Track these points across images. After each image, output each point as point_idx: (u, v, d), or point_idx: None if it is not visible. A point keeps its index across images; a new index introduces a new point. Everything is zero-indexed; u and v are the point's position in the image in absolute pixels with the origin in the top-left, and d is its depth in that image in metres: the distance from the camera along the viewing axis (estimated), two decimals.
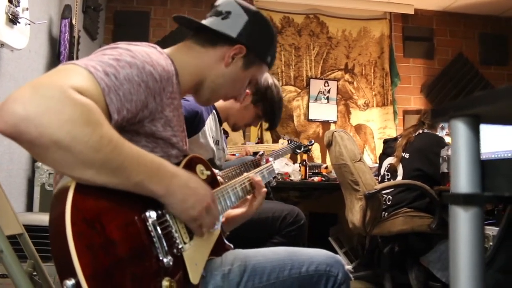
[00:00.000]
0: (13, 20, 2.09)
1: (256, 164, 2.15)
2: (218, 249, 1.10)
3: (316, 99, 4.50)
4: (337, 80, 4.57)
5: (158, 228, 0.86)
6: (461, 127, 0.64)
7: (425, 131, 2.93)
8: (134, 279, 0.78)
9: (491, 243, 2.25)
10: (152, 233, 0.85)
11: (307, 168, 3.80)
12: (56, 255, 0.75)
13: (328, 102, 4.52)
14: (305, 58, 4.54)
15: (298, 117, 4.47)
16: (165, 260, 0.85)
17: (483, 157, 0.65)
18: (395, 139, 3.10)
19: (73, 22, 3.00)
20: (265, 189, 1.29)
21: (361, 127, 4.59)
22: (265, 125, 2.21)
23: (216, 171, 1.74)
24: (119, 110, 0.84)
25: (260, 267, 1.09)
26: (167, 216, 0.91)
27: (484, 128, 0.66)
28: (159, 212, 0.89)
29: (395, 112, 4.59)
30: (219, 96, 1.21)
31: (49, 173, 2.60)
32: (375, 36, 4.65)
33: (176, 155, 1.04)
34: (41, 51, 2.81)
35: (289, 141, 3.17)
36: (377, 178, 3.07)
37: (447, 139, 2.95)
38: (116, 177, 0.78)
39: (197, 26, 1.16)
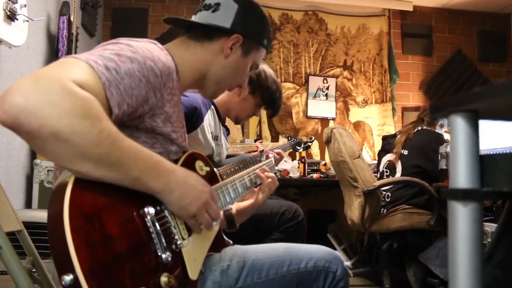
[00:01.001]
0: (11, 16, 2.09)
1: (255, 160, 2.15)
2: (217, 245, 1.10)
3: (315, 96, 4.50)
4: (336, 77, 4.56)
5: (157, 224, 0.86)
6: (459, 123, 0.64)
7: (424, 128, 2.94)
8: (132, 274, 0.78)
9: (489, 240, 2.25)
10: (151, 229, 0.85)
11: (306, 165, 3.80)
12: (54, 250, 0.75)
13: (327, 99, 4.52)
14: (303, 55, 4.54)
15: (297, 114, 4.47)
16: (163, 256, 0.86)
17: (482, 153, 0.65)
18: (394, 136, 3.11)
19: (71, 19, 2.99)
20: (272, 177, 1.37)
21: (360, 124, 4.59)
22: (268, 113, 2.21)
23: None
24: (119, 105, 0.84)
25: (259, 263, 1.10)
26: (166, 212, 0.91)
27: (483, 125, 0.66)
28: (158, 208, 0.89)
29: (393, 109, 4.59)
30: (224, 87, 1.22)
31: (48, 170, 2.60)
32: (373, 33, 4.65)
33: (176, 151, 1.04)
34: (39, 48, 2.80)
35: (289, 138, 3.17)
36: (376, 175, 3.07)
37: (446, 136, 2.96)
38: (114, 171, 0.79)
39: (189, 25, 1.17)
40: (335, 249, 3.09)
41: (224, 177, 1.38)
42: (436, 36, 4.78)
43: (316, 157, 4.38)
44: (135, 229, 0.83)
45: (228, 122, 2.21)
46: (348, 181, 2.81)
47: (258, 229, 2.01)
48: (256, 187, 1.37)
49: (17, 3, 2.13)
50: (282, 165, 3.68)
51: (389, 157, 2.99)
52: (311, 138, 3.31)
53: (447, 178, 2.56)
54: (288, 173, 3.66)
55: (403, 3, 4.60)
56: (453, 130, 0.65)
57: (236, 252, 1.11)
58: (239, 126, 4.10)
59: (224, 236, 1.16)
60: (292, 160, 3.88)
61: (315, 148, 4.40)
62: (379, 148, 3.25)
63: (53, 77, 0.74)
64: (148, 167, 0.84)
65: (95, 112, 0.75)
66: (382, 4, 4.62)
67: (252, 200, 1.35)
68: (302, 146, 3.07)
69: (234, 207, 1.34)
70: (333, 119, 4.53)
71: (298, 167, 3.75)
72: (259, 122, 4.32)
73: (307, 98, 4.49)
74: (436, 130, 2.99)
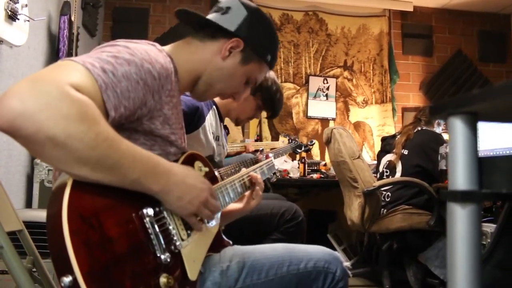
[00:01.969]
0: (12, 16, 2.09)
1: (256, 162, 2.16)
2: (217, 246, 1.11)
3: (315, 96, 4.50)
4: (336, 77, 4.56)
5: (156, 225, 0.87)
6: (458, 124, 0.64)
7: (424, 128, 2.94)
8: (131, 275, 0.78)
9: (489, 240, 2.26)
10: (150, 230, 0.85)
11: (306, 165, 3.81)
12: (54, 251, 0.75)
13: (327, 99, 4.52)
14: (304, 55, 4.54)
15: (297, 114, 4.47)
16: (162, 257, 0.86)
17: (480, 154, 0.65)
18: (393, 136, 3.11)
19: (72, 18, 2.99)
20: (262, 186, 1.30)
21: (360, 124, 4.59)
22: (268, 115, 2.20)
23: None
24: (116, 107, 0.84)
25: (259, 264, 1.10)
26: (165, 213, 0.91)
27: (482, 126, 0.66)
28: (157, 209, 0.89)
29: (394, 109, 4.59)
30: (214, 90, 1.17)
31: (48, 170, 2.60)
32: (374, 33, 4.65)
33: (175, 152, 1.04)
34: (40, 48, 2.80)
35: (290, 140, 3.17)
36: (375, 175, 3.07)
37: (445, 137, 2.96)
38: (112, 174, 0.79)
39: (197, 20, 1.16)
40: (335, 249, 3.09)
41: (225, 177, 1.38)
42: (437, 36, 4.78)
43: (316, 157, 4.38)
44: (134, 230, 0.83)
45: (227, 122, 2.21)
46: (348, 182, 2.81)
47: (258, 229, 2.01)
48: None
49: (18, 3, 2.13)
50: (282, 165, 3.68)
51: (389, 157, 3.00)
52: (311, 141, 3.31)
53: (447, 179, 2.56)
54: (288, 173, 3.66)
55: (404, 4, 4.60)
56: (452, 132, 0.65)
57: (235, 252, 1.11)
58: (239, 126, 4.11)
59: (224, 236, 1.17)
60: (292, 161, 3.88)
61: (315, 148, 4.41)
62: (379, 148, 3.26)
63: (50, 81, 0.74)
64: (147, 168, 0.84)
65: (92, 116, 0.75)
66: (382, 5, 4.62)
67: (241, 205, 1.30)
68: (303, 149, 3.08)
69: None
70: (333, 119, 4.53)
71: (298, 167, 3.75)
72: (259, 122, 4.32)
73: (307, 98, 4.49)
74: (434, 129, 3.00)
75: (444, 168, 2.63)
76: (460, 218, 0.63)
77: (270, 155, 2.17)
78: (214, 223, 1.08)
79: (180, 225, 0.95)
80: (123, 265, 0.78)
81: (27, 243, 1.21)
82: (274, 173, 1.82)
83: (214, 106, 2.01)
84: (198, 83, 1.15)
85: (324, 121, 4.50)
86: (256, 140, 4.06)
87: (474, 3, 4.62)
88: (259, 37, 1.17)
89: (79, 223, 0.73)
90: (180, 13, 1.14)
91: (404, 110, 4.66)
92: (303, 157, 3.84)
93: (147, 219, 0.85)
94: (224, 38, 1.13)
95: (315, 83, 4.51)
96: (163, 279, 0.84)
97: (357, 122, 4.59)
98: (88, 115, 0.74)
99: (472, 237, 0.63)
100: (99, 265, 0.73)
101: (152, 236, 0.85)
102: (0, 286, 1.73)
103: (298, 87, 4.50)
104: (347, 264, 3.41)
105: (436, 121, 3.03)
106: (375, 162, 3.42)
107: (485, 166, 0.64)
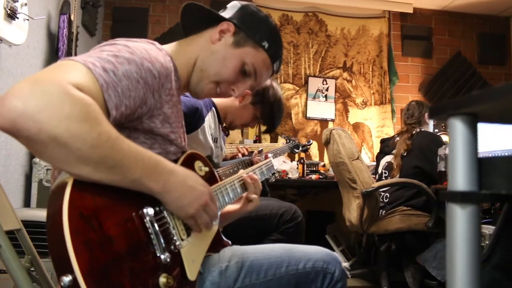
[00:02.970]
0: (11, 15, 2.09)
1: (251, 163, 2.15)
2: (216, 246, 1.11)
3: (314, 97, 4.50)
4: (336, 78, 4.57)
5: (156, 225, 0.86)
6: (459, 125, 0.65)
7: (422, 129, 2.95)
8: (131, 275, 0.78)
9: (487, 242, 2.26)
10: (150, 230, 0.85)
11: (305, 166, 3.81)
12: (53, 251, 0.74)
13: (326, 100, 4.52)
14: (303, 56, 4.54)
15: (296, 115, 4.47)
16: (162, 256, 0.86)
17: (480, 155, 0.65)
18: (392, 138, 3.12)
19: (72, 18, 2.99)
20: (260, 187, 1.30)
21: (359, 125, 4.59)
22: (263, 128, 2.21)
23: None
24: (117, 107, 0.84)
25: (258, 264, 1.10)
26: (165, 212, 0.91)
27: (482, 128, 0.66)
28: (157, 208, 0.89)
29: (393, 111, 4.59)
30: (210, 76, 1.12)
31: (47, 169, 2.60)
32: (373, 34, 4.65)
33: (175, 151, 1.04)
34: (40, 47, 2.80)
35: (287, 140, 3.19)
36: (374, 176, 3.07)
37: (445, 138, 2.97)
38: (113, 174, 0.78)
39: (202, 12, 1.17)
40: (333, 250, 3.09)
41: (223, 178, 1.37)
42: (436, 38, 4.79)
43: (315, 158, 4.38)
44: (134, 229, 0.83)
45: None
46: (346, 183, 2.81)
47: (257, 230, 2.01)
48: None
49: (17, 1, 2.13)
50: (281, 166, 3.69)
51: (388, 158, 3.00)
52: (309, 142, 3.32)
53: (446, 180, 2.57)
54: (287, 174, 3.66)
55: (403, 5, 4.60)
56: (452, 133, 0.65)
57: (234, 252, 1.11)
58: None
59: (223, 237, 1.17)
60: (291, 161, 3.88)
61: (314, 149, 4.41)
62: (378, 150, 3.26)
63: (51, 80, 0.74)
64: (148, 168, 0.84)
65: (94, 115, 0.75)
66: (382, 6, 4.63)
67: (238, 206, 1.30)
68: (300, 149, 3.09)
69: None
70: (332, 120, 4.53)
71: (297, 168, 3.75)
72: (258, 125, 4.31)
73: (306, 99, 4.49)
74: (428, 125, 3.01)
75: (443, 169, 2.64)
76: (459, 219, 0.63)
77: (269, 155, 2.17)
78: (213, 223, 1.08)
79: (180, 225, 0.95)
80: (123, 264, 0.77)
81: (25, 242, 1.21)
82: (273, 174, 1.82)
83: (213, 108, 2.01)
84: (193, 73, 1.13)
85: (323, 122, 4.51)
86: (255, 141, 4.06)
87: (473, 5, 4.62)
88: (252, 23, 1.16)
89: (80, 222, 0.73)
90: (186, 8, 1.15)
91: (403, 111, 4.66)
92: (302, 158, 3.84)
93: (147, 218, 0.85)
94: (217, 25, 1.15)
95: (315, 84, 4.51)
96: (162, 279, 0.84)
97: (356, 123, 4.59)
98: (90, 115, 0.74)
99: (471, 238, 0.63)
100: (99, 264, 0.73)
101: (152, 236, 0.85)
102: None
103: (298, 88, 4.50)
104: (345, 265, 3.40)
105: (425, 117, 3.03)
106: (374, 163, 3.43)
107: (484, 167, 0.64)
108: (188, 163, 1.08)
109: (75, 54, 3.01)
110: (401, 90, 4.68)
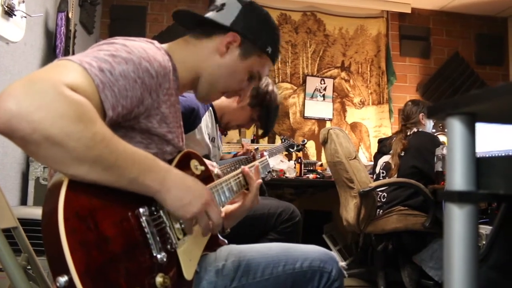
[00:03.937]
0: (8, 12, 2.08)
1: (250, 160, 2.16)
2: (212, 244, 1.10)
3: (312, 97, 4.50)
4: (333, 78, 4.57)
5: (152, 224, 0.86)
6: (457, 125, 0.64)
7: (420, 130, 2.95)
8: (127, 275, 0.78)
9: (484, 242, 2.26)
10: (146, 229, 0.85)
11: (302, 166, 3.81)
12: (49, 251, 0.74)
13: (324, 99, 4.52)
14: (301, 56, 4.54)
15: (294, 115, 4.47)
16: (158, 256, 0.85)
17: (478, 155, 0.65)
18: (390, 138, 3.12)
19: (70, 15, 2.98)
20: (259, 181, 1.26)
21: (357, 125, 4.59)
22: (259, 131, 2.22)
23: (214, 163, 1.74)
24: (114, 107, 0.83)
25: (255, 263, 1.10)
26: (161, 212, 0.90)
27: (480, 128, 0.66)
28: (153, 208, 0.88)
29: (390, 111, 4.60)
30: (218, 89, 1.15)
31: (44, 167, 2.59)
32: (371, 34, 4.66)
33: (171, 151, 1.03)
34: (37, 44, 2.79)
35: (283, 140, 3.20)
36: (371, 176, 3.08)
37: (442, 138, 2.97)
38: (109, 174, 0.78)
39: (193, 19, 1.15)
40: (330, 249, 3.09)
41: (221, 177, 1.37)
42: (434, 38, 4.79)
43: (313, 157, 4.38)
44: (130, 229, 0.82)
45: None
46: (344, 182, 2.81)
47: (255, 229, 2.01)
48: (247, 190, 1.30)
49: None
50: (279, 165, 3.69)
51: (386, 158, 3.00)
52: (304, 141, 3.37)
53: (443, 180, 2.57)
54: (284, 173, 3.67)
55: (401, 5, 4.61)
56: (450, 133, 0.65)
57: (231, 251, 1.11)
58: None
59: (219, 235, 1.16)
60: (289, 161, 3.88)
61: (311, 148, 4.41)
62: (376, 149, 3.26)
63: (46, 81, 0.73)
64: (144, 168, 0.83)
65: (88, 116, 0.74)
66: (380, 6, 4.63)
67: (240, 203, 1.26)
68: (295, 148, 3.10)
69: (223, 210, 1.26)
70: (330, 120, 4.53)
71: (295, 167, 3.75)
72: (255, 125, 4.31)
73: (304, 98, 4.49)
74: (424, 125, 3.01)
75: (440, 169, 2.64)
76: (457, 218, 0.63)
77: (265, 153, 2.18)
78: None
79: (176, 224, 0.94)
80: (119, 264, 0.77)
81: (22, 241, 1.21)
82: (269, 172, 1.82)
83: (210, 108, 2.01)
84: (199, 84, 1.13)
85: (321, 122, 4.51)
86: (252, 140, 4.06)
87: (471, 6, 4.63)
88: (257, 30, 1.14)
89: (76, 222, 0.72)
90: (177, 14, 1.13)
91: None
92: (299, 157, 3.85)
93: (144, 217, 0.85)
94: (221, 34, 1.12)
95: (312, 83, 4.51)
96: (159, 279, 0.83)
97: (354, 123, 4.59)
98: (84, 115, 0.74)
99: (469, 238, 0.63)
100: (95, 264, 0.72)
101: (148, 235, 0.85)
102: None
103: (295, 87, 4.50)
104: (342, 264, 3.41)
105: (421, 116, 3.02)
106: (371, 163, 3.43)
107: (482, 167, 0.64)
108: (184, 162, 1.07)
109: (73, 52, 3.00)
110: (399, 90, 4.69)
